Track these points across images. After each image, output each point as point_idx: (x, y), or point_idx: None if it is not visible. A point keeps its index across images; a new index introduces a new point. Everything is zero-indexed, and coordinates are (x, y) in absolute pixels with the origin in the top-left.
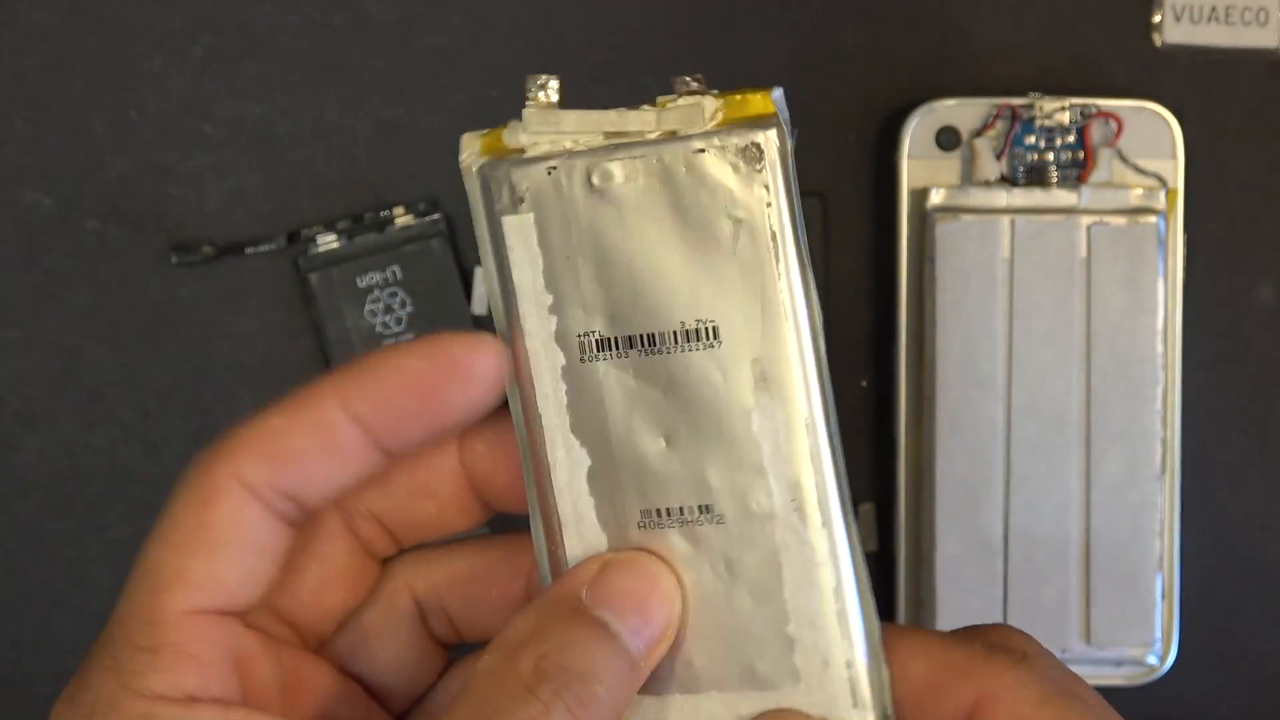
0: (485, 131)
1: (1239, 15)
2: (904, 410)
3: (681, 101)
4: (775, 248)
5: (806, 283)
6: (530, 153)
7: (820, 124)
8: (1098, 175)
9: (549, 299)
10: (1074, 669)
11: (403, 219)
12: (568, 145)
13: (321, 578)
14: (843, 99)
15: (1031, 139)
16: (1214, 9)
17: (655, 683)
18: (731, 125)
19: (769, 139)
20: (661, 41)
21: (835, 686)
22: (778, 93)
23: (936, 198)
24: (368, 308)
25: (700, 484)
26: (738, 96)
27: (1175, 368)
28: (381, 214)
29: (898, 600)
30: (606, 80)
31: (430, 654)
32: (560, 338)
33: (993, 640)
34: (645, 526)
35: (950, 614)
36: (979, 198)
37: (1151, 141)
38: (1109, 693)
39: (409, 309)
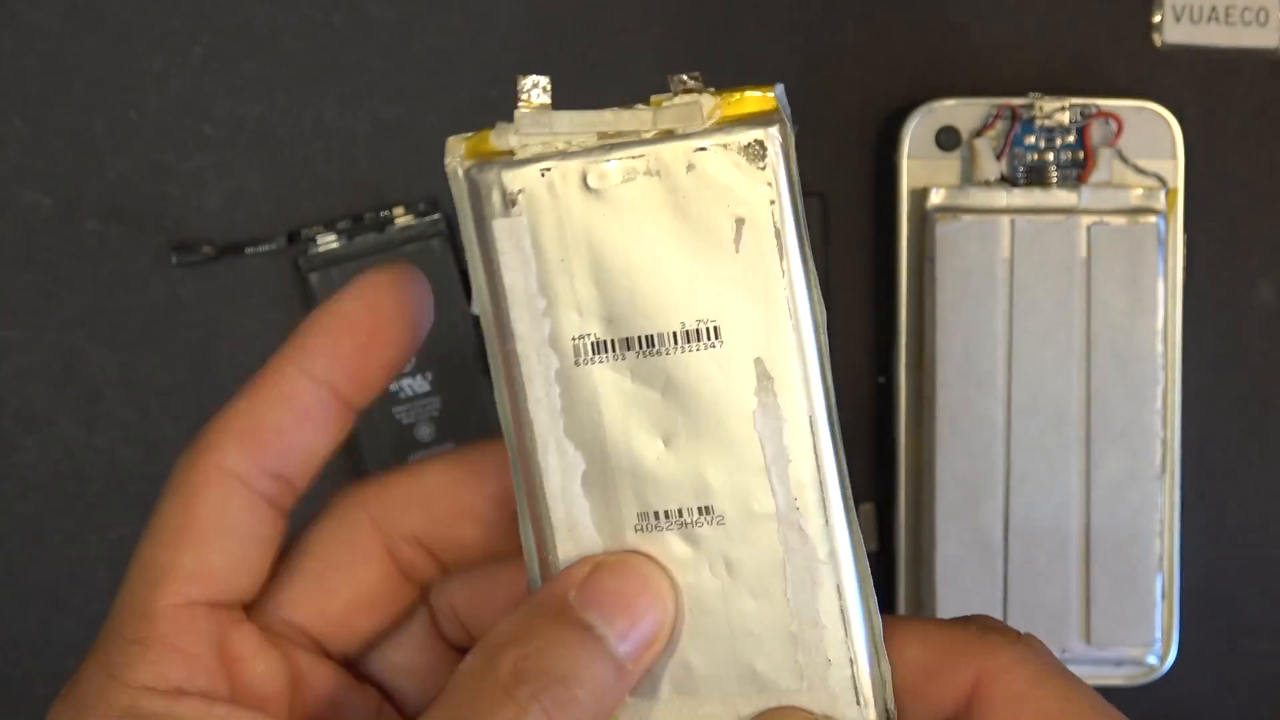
0: (471, 134)
1: (1239, 15)
2: (904, 410)
3: (678, 100)
4: (779, 245)
5: (810, 279)
6: (521, 154)
7: (820, 124)
8: (1098, 175)
9: (542, 302)
10: (1074, 669)
11: (403, 219)
12: (560, 146)
13: (351, 599)
14: (843, 99)
15: (1031, 139)
16: (1214, 9)
17: (654, 686)
18: (731, 123)
19: (771, 136)
20: (661, 41)
21: (838, 684)
22: (779, 89)
23: (936, 198)
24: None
25: (700, 485)
26: (736, 94)
27: (1175, 368)
28: (381, 214)
29: (898, 600)
30: (606, 80)
31: (443, 657)
32: (554, 341)
33: (984, 624)
34: (642, 530)
35: (950, 614)
36: (979, 198)
37: (1151, 141)
38: (1109, 693)
39: None
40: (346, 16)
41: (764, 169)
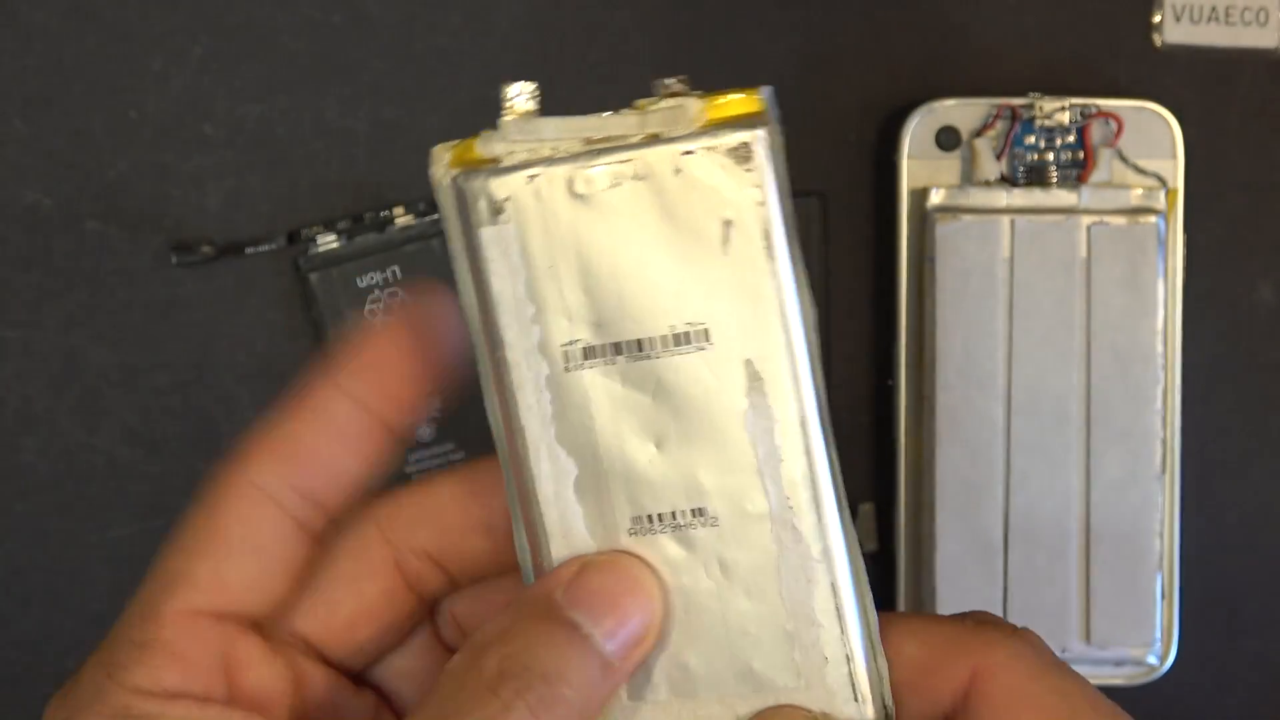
0: (456, 143)
1: (1239, 15)
2: (904, 410)
3: (664, 104)
4: (768, 246)
5: (800, 280)
6: (507, 161)
7: (820, 124)
8: (1098, 175)
9: (531, 309)
10: (1074, 669)
11: (403, 219)
12: (547, 153)
13: (355, 611)
14: (843, 99)
15: (1031, 139)
16: (1214, 9)
17: (651, 688)
18: (718, 125)
19: (758, 138)
20: (661, 41)
21: (835, 682)
22: (767, 91)
23: (936, 198)
24: (368, 308)
25: (693, 487)
26: (722, 97)
27: (1175, 368)
28: (381, 214)
29: (898, 600)
30: (606, 80)
31: (442, 662)
32: (543, 348)
33: (981, 619)
34: (636, 533)
35: (950, 613)
36: (979, 198)
37: (1151, 141)
38: (1109, 693)
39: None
40: (346, 16)
41: (751, 171)
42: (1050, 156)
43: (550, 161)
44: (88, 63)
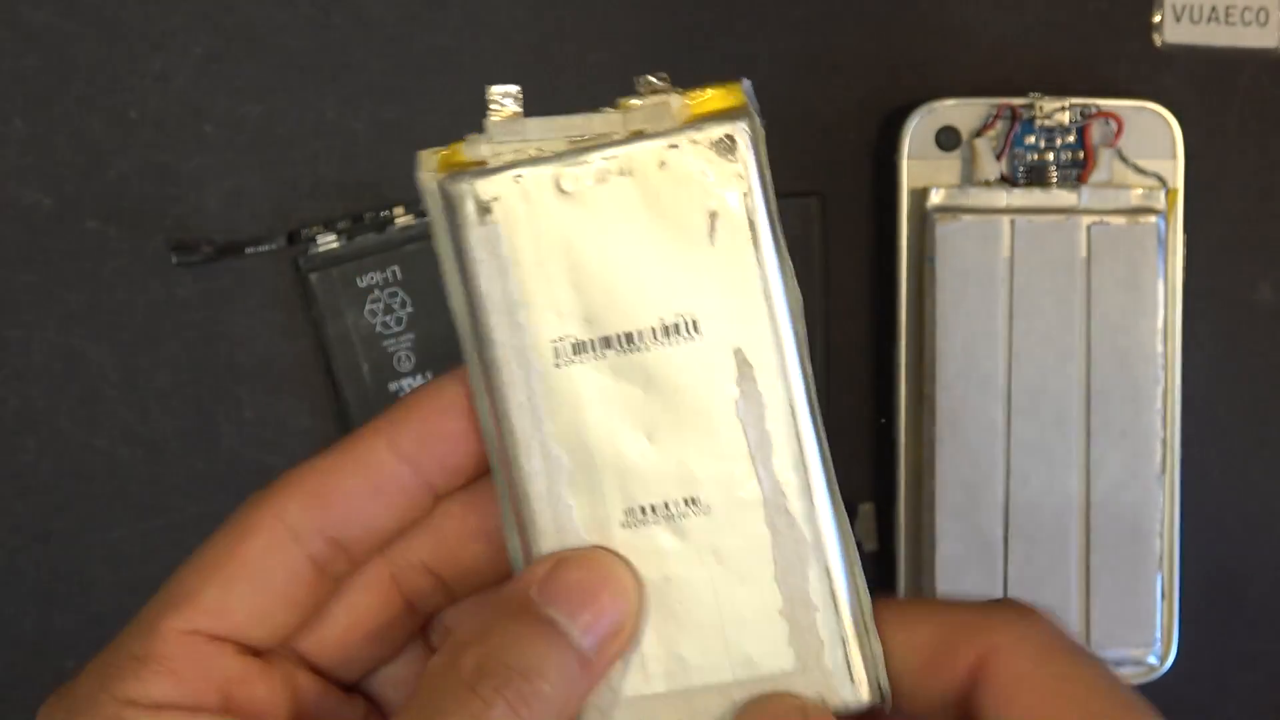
0: (442, 147)
1: (1239, 15)
2: (904, 410)
3: (646, 101)
4: (753, 236)
5: (785, 268)
6: (493, 163)
7: (820, 124)
8: (1098, 175)
9: (520, 308)
10: (1088, 652)
11: (403, 219)
12: (532, 153)
13: (349, 626)
14: (843, 99)
15: (1031, 139)
16: (1214, 9)
17: (647, 680)
18: (701, 119)
19: (741, 129)
20: (661, 41)
21: (831, 664)
22: (746, 83)
23: (936, 198)
24: (368, 308)
25: (685, 477)
26: (703, 92)
27: (1175, 368)
28: (381, 214)
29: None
30: (606, 80)
31: None
32: (533, 345)
33: (994, 602)
34: (629, 526)
35: None
36: (979, 198)
37: (1151, 141)
38: None
39: (409, 309)
40: (346, 16)
41: (735, 162)
42: (1050, 156)
43: (536, 161)
44: (88, 63)
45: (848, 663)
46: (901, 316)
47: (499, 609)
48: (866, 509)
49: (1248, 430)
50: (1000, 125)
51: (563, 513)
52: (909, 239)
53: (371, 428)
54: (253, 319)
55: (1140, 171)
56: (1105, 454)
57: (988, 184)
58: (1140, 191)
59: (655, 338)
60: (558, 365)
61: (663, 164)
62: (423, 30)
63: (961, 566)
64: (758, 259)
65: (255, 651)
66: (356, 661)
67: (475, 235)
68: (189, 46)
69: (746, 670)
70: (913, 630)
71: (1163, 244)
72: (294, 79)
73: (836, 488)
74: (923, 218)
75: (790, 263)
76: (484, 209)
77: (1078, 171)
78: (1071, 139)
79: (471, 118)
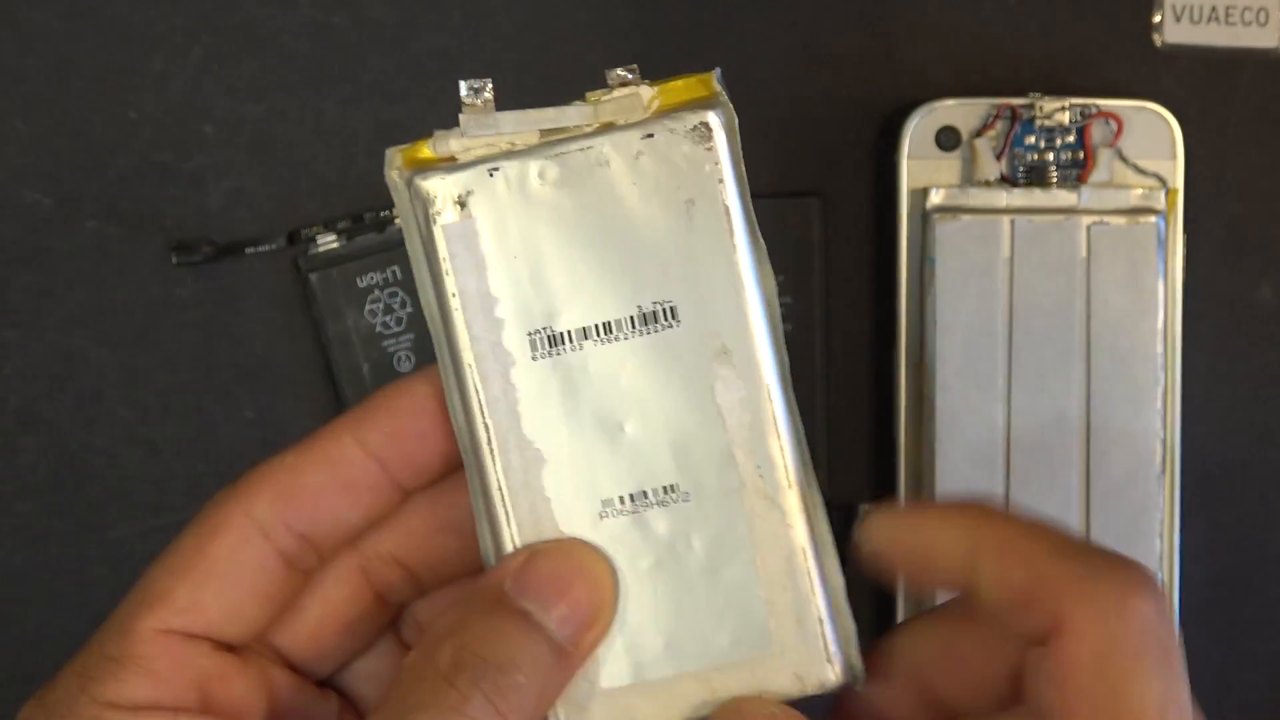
0: (409, 145)
1: (1239, 15)
2: (904, 410)
3: (617, 93)
4: (729, 223)
5: (759, 254)
6: (464, 158)
7: (820, 124)
8: (1098, 175)
9: (495, 302)
10: (1174, 653)
11: None
12: (505, 147)
13: (320, 619)
14: (843, 99)
15: (1031, 139)
16: (1214, 9)
17: (623, 670)
18: (675, 109)
19: (715, 118)
20: (660, 41)
21: (809, 644)
22: (717, 72)
23: (936, 198)
24: (368, 308)
25: (664, 465)
26: (674, 83)
27: (1175, 368)
28: (381, 214)
29: (897, 600)
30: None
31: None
32: (510, 339)
33: (1107, 557)
34: (608, 515)
35: None
36: (979, 198)
37: (1151, 141)
38: None
39: (409, 309)
40: (346, 16)
41: (710, 150)
42: (1050, 156)
43: (509, 155)
44: (88, 63)
45: (824, 644)
46: (901, 316)
47: (474, 602)
48: (867, 509)
49: (1248, 430)
50: (1000, 125)
51: (540, 505)
52: (909, 239)
53: (339, 423)
54: (253, 319)
55: (1140, 171)
56: (1105, 454)
57: (988, 184)
58: (1140, 191)
59: (634, 326)
60: (535, 358)
61: (639, 154)
62: (423, 30)
63: None
64: (734, 245)
65: (230, 648)
66: (329, 655)
67: (451, 230)
68: (189, 46)
69: (724, 656)
70: (1009, 568)
71: (1163, 244)
72: (294, 79)
73: (812, 470)
74: (923, 218)
75: (764, 249)
76: (459, 204)
77: (1078, 171)
78: (1071, 139)
79: None
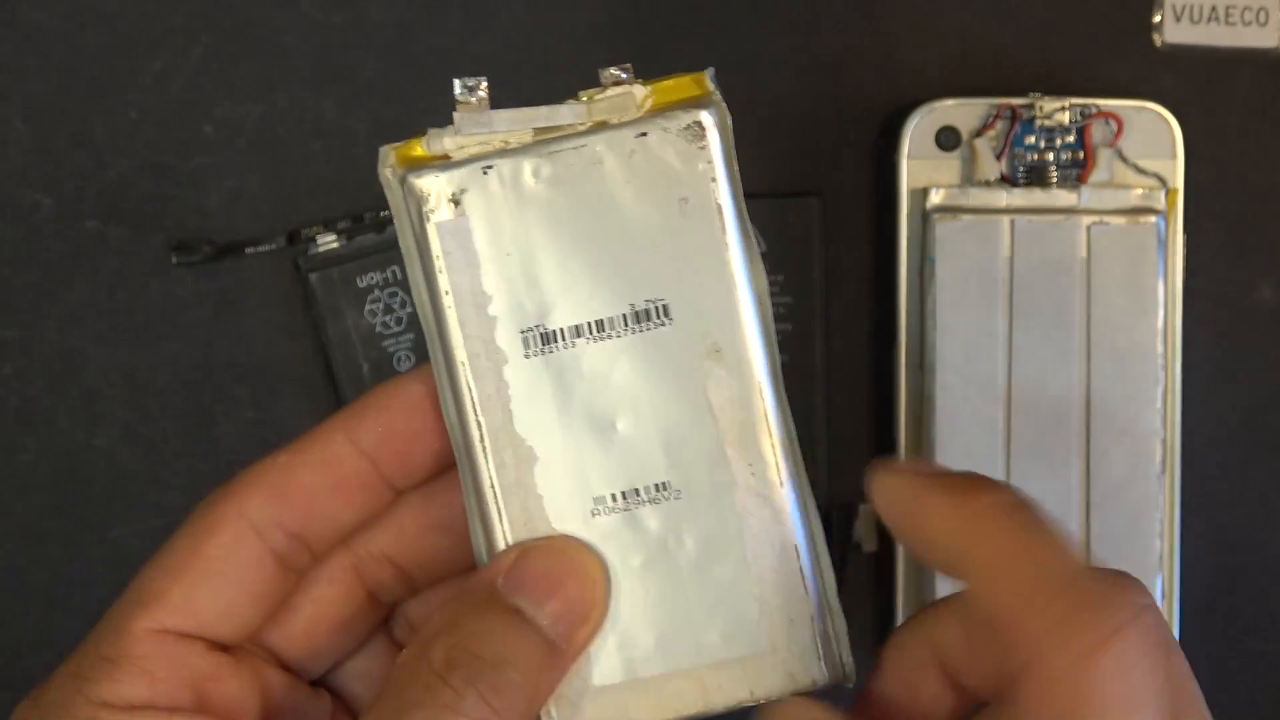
0: (402, 143)
1: (1239, 15)
2: (904, 410)
3: (610, 92)
4: (722, 221)
5: (751, 252)
6: (458, 156)
7: (820, 124)
8: (1098, 175)
9: (488, 300)
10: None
11: None
12: (498, 145)
13: (313, 618)
14: (843, 99)
15: (1031, 139)
16: (1214, 9)
17: (615, 667)
18: (666, 109)
19: (709, 117)
20: (660, 41)
21: (800, 642)
22: (710, 72)
23: (936, 198)
24: (368, 308)
25: (656, 463)
26: (666, 82)
27: (1175, 368)
28: (381, 214)
29: (897, 601)
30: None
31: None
32: (503, 337)
33: (1082, 605)
34: (600, 513)
35: None
36: (979, 198)
37: (1151, 141)
38: None
39: (409, 309)
40: (346, 16)
41: (704, 148)
42: (1050, 156)
43: (503, 154)
44: (88, 63)
45: (815, 642)
46: (901, 316)
47: (466, 600)
48: (867, 509)
49: (1248, 430)
50: (1000, 125)
51: (532, 503)
52: (909, 239)
53: (332, 423)
54: (253, 319)
55: (1140, 171)
56: (1105, 454)
57: (988, 184)
58: (1140, 191)
59: (626, 324)
60: (528, 356)
61: (633, 152)
62: (423, 30)
63: None
64: (727, 244)
65: (224, 648)
66: (322, 654)
67: (444, 228)
68: (189, 46)
69: (716, 653)
70: (991, 592)
71: (1163, 244)
72: (294, 79)
73: (803, 469)
74: (923, 218)
75: (756, 248)
76: (453, 202)
77: (1078, 171)
78: (1071, 139)
79: None
